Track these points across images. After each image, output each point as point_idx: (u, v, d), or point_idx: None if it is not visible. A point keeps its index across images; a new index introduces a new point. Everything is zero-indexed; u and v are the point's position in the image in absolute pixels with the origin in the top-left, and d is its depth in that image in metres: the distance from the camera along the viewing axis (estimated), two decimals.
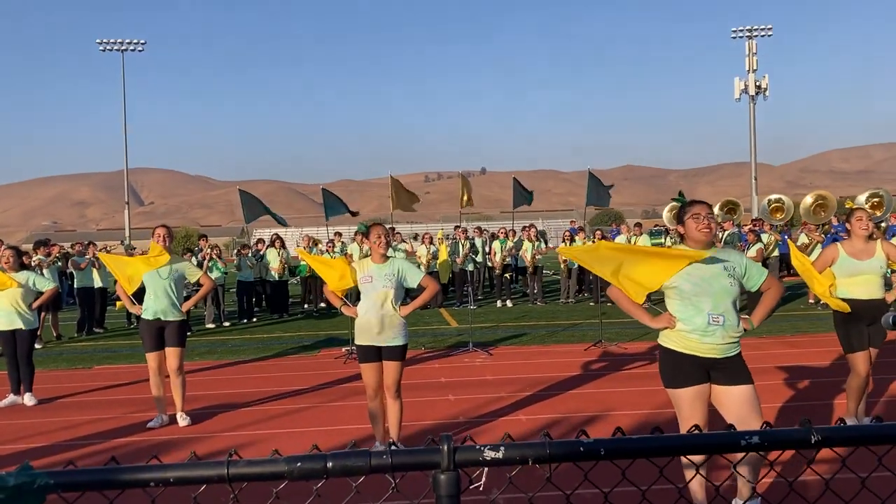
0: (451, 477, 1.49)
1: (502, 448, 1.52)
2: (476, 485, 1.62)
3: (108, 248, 17.92)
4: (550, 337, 11.98)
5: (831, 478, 1.78)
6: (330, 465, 1.48)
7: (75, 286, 14.93)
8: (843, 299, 5.89)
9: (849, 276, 5.91)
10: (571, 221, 28.36)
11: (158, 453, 6.23)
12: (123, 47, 48.48)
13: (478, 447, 1.51)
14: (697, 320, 4.00)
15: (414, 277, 5.95)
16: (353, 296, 11.61)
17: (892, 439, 1.55)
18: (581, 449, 1.53)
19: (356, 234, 16.08)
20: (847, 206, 6.57)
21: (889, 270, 6.35)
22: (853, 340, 5.90)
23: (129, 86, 49.64)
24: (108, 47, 48.47)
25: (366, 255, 6.08)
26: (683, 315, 4.06)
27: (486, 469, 1.56)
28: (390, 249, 6.11)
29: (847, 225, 6.16)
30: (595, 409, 7.16)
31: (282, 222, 16.90)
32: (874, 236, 6.09)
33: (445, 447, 1.50)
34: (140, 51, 49.25)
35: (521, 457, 1.53)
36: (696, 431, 1.66)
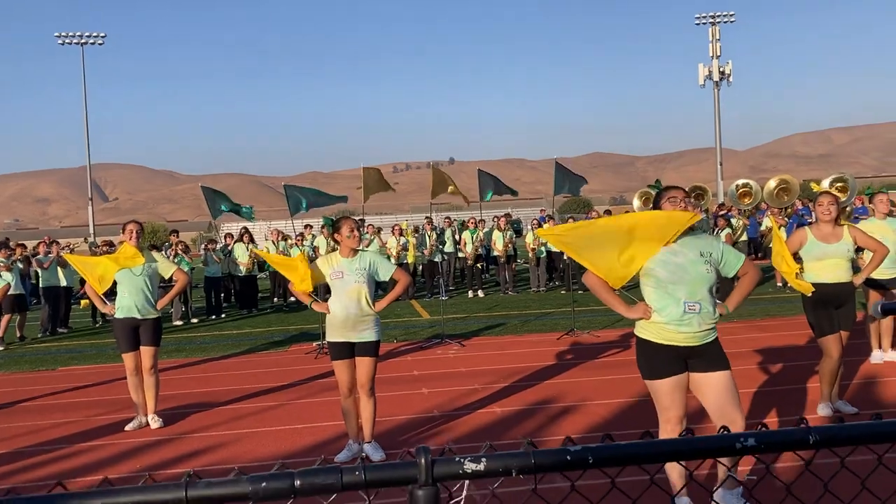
0: (429, 493, 1.38)
1: (484, 459, 1.41)
2: (456, 499, 1.51)
3: (71, 247, 17.49)
4: (523, 326, 11.93)
5: (830, 479, 1.70)
6: (298, 483, 1.37)
7: (41, 285, 14.57)
8: (812, 283, 5.89)
9: (817, 260, 5.93)
10: (542, 210, 28.33)
11: (128, 458, 6.07)
12: (83, 40, 47.58)
13: (457, 459, 1.41)
14: (673, 309, 3.93)
15: (386, 270, 5.83)
16: (323, 289, 11.44)
17: (892, 437, 1.48)
18: (568, 458, 1.43)
19: (322, 227, 15.85)
20: (815, 190, 6.59)
21: (856, 254, 6.36)
22: (823, 324, 5.91)
23: (90, 80, 48.75)
24: (68, 41, 47.53)
25: (333, 249, 5.93)
26: (659, 304, 3.99)
27: (467, 482, 1.45)
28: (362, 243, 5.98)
29: (812, 209, 6.20)
30: (570, 399, 7.11)
31: (247, 215, 16.51)
32: (839, 221, 6.12)
33: (423, 460, 1.39)
34: (100, 44, 48.36)
35: (505, 468, 1.42)
36: (686, 434, 1.57)
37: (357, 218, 20.55)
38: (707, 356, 4.00)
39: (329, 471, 1.39)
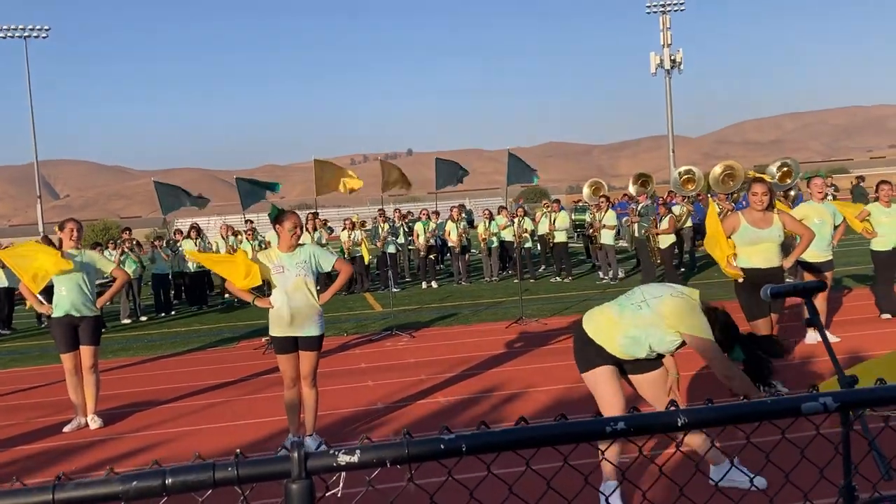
0: (303, 486, 1.39)
1: (358, 451, 1.43)
2: (333, 491, 1.53)
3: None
4: (474, 316, 11.99)
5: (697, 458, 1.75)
6: (169, 481, 1.36)
7: None
8: (743, 268, 6.05)
9: (750, 245, 6.08)
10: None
11: (62, 460, 5.97)
12: (26, 34, 46.36)
13: (332, 452, 1.42)
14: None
15: (327, 262, 5.82)
16: (268, 285, 11.37)
17: (758, 416, 1.53)
18: (442, 446, 1.45)
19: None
20: (749, 176, 6.75)
21: (791, 238, 6.52)
22: (753, 308, 6.05)
23: (34, 74, 47.52)
24: (10, 34, 46.30)
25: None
26: None
27: (343, 474, 1.47)
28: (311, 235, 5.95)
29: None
30: (514, 386, 7.18)
31: (200, 204, 16.17)
32: (773, 207, 6.28)
33: (296, 454, 1.40)
34: (44, 37, 47.17)
35: (379, 459, 1.44)
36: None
37: (311, 211, 20.44)
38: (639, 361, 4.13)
39: (201, 467, 1.39)
